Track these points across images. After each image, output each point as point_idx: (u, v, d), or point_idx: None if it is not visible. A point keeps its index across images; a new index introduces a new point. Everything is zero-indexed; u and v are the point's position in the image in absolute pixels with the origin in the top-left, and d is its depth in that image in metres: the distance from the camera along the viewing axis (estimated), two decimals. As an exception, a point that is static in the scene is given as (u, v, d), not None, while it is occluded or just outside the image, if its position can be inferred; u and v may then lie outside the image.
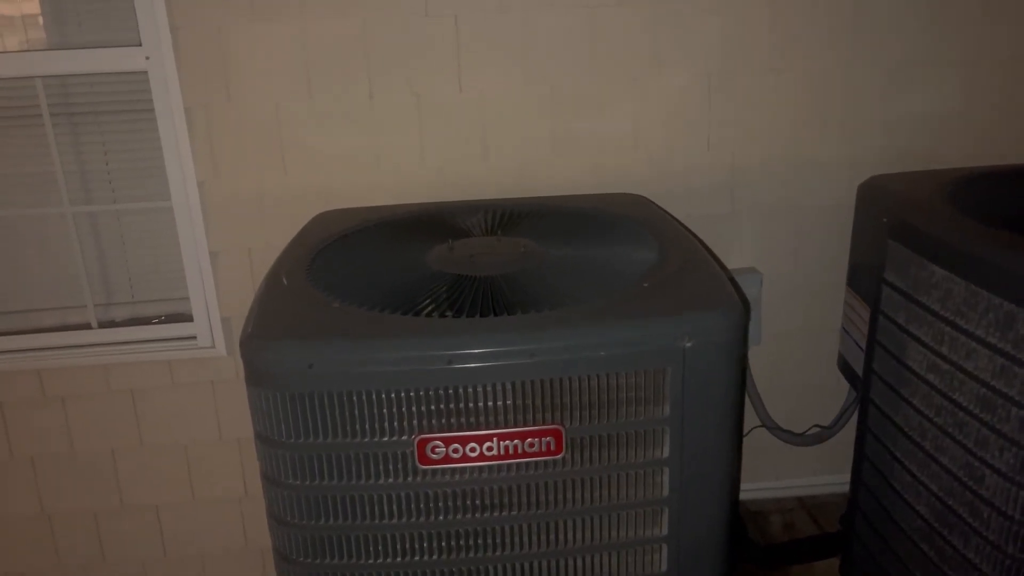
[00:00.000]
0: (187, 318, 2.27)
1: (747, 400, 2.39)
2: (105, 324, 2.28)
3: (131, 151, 2.18)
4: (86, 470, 2.35)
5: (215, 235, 2.19)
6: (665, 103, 2.20)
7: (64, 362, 2.22)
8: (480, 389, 1.32)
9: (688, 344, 1.33)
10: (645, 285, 1.46)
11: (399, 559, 1.42)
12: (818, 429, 2.44)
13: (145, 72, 2.06)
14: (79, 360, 2.23)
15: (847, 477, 2.13)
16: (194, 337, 2.26)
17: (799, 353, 2.43)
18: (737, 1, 2.14)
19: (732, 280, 1.52)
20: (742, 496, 2.55)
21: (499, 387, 1.32)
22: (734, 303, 1.39)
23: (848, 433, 2.16)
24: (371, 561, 1.42)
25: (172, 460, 2.36)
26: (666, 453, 1.39)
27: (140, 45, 2.04)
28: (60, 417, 2.29)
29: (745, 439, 2.46)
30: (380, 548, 1.42)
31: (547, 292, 1.47)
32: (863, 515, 2.06)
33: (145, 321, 2.31)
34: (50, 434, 2.30)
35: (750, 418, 2.42)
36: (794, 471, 2.58)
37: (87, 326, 2.27)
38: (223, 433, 2.34)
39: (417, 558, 1.43)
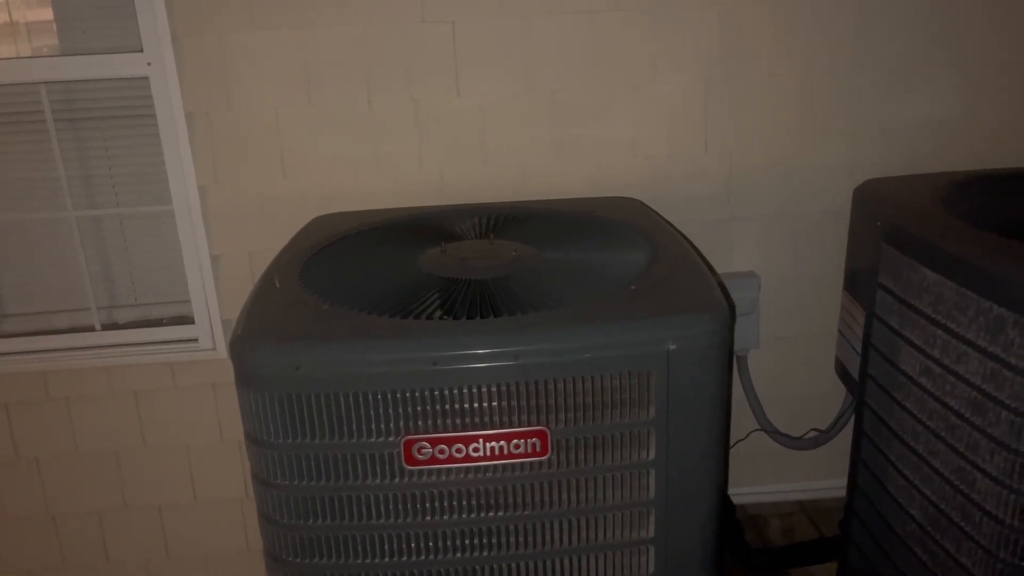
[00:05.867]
0: (190, 321, 2.30)
1: (746, 403, 2.40)
2: (109, 327, 2.32)
3: (133, 156, 2.21)
4: (90, 471, 2.38)
5: (216, 239, 2.21)
6: (663, 108, 2.21)
7: (68, 364, 2.26)
8: (465, 391, 1.33)
9: (672, 347, 1.33)
10: (632, 288, 1.47)
11: (388, 559, 1.44)
12: (816, 433, 2.44)
13: (147, 78, 2.09)
14: (83, 362, 2.26)
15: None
16: (196, 339, 2.29)
17: (798, 357, 2.43)
18: (735, 7, 2.14)
19: (721, 284, 1.53)
20: (741, 499, 2.55)
21: (484, 389, 1.33)
22: (719, 307, 1.39)
23: (848, 437, 2.16)
24: (360, 561, 1.44)
25: (174, 461, 2.39)
26: (652, 455, 1.40)
27: (142, 51, 2.07)
28: (64, 418, 2.32)
29: (744, 442, 2.46)
30: (369, 548, 1.43)
31: (536, 295, 1.48)
32: (859, 519, 2.06)
33: (148, 324, 2.34)
34: (54, 435, 2.34)
35: (749, 421, 2.42)
36: (795, 475, 2.58)
37: (91, 328, 2.30)
38: (224, 435, 2.37)
39: (405, 558, 1.44)
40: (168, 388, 2.32)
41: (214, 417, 2.35)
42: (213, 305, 2.26)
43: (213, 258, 2.23)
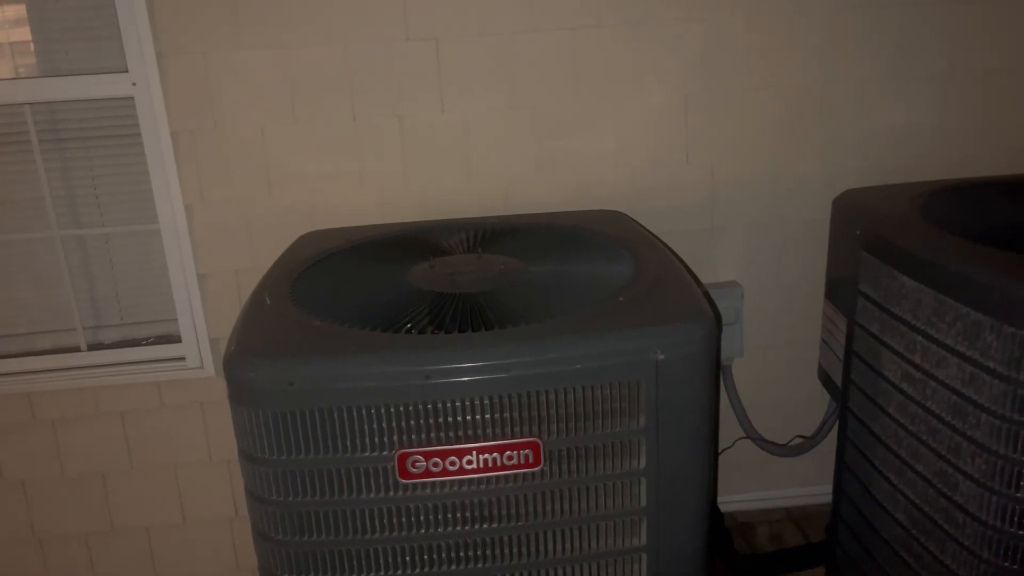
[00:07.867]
0: (176, 339, 2.30)
1: (731, 412, 2.42)
2: (94, 347, 2.31)
3: (119, 175, 2.21)
4: (76, 493, 2.36)
5: (202, 257, 2.22)
6: (645, 122, 2.25)
7: (54, 385, 2.25)
8: (458, 404, 1.35)
9: (660, 356, 1.36)
10: (620, 299, 1.50)
11: (383, 573, 1.44)
12: (801, 440, 2.47)
13: (131, 98, 2.09)
14: (69, 383, 2.25)
15: (832, 487, 2.16)
16: (183, 358, 2.28)
17: (781, 365, 2.46)
18: (714, 21, 2.18)
19: (706, 294, 1.55)
20: (729, 507, 2.57)
21: (477, 401, 1.35)
22: (705, 316, 1.42)
23: (833, 443, 2.19)
24: (355, 575, 1.44)
25: (162, 482, 2.38)
26: (642, 464, 1.42)
27: (127, 71, 2.08)
28: (50, 440, 2.31)
29: (731, 450, 2.49)
30: (364, 563, 1.44)
31: (525, 308, 1.50)
32: (845, 524, 2.08)
33: (134, 343, 2.33)
34: (40, 457, 2.32)
35: (735, 430, 2.45)
36: (781, 482, 2.60)
37: (76, 349, 2.29)
38: (212, 454, 2.36)
39: (400, 571, 1.45)
40: (155, 408, 2.31)
41: (202, 436, 2.34)
42: (200, 324, 2.26)
43: (200, 277, 2.22)
